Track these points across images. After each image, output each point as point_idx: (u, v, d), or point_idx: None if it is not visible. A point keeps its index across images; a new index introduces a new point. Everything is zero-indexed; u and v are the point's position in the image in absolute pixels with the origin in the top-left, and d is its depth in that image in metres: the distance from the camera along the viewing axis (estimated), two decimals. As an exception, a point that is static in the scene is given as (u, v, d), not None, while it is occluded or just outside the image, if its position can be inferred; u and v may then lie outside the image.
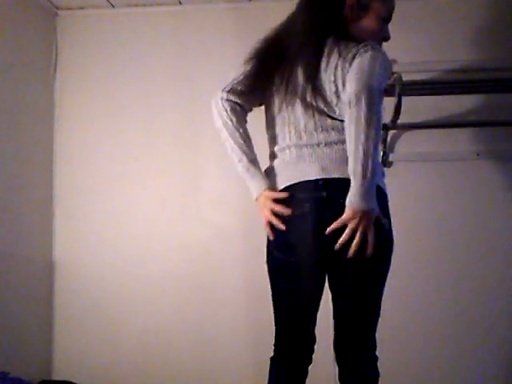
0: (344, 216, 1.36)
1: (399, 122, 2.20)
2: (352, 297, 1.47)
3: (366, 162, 1.31)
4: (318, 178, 1.44)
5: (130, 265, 2.53)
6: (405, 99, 2.11)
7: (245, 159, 1.55)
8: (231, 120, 1.56)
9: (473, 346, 2.34)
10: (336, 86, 1.44)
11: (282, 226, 1.46)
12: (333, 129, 1.46)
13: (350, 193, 1.34)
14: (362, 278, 1.44)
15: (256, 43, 1.60)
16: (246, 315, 2.45)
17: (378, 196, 1.37)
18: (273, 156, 1.58)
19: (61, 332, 2.57)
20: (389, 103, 2.16)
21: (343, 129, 1.41)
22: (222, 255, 2.48)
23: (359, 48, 1.42)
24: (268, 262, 1.57)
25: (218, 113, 1.58)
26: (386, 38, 1.59)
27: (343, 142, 1.41)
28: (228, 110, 1.56)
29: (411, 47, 2.41)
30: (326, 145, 1.46)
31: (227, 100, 1.56)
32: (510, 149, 2.37)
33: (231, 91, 1.57)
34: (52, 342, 2.57)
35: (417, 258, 2.39)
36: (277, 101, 1.55)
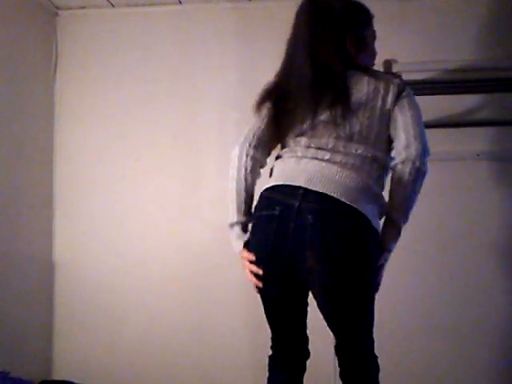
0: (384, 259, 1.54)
1: (399, 122, 2.19)
2: (331, 308, 1.49)
3: (406, 219, 1.59)
4: (301, 185, 1.44)
5: (129, 265, 2.53)
6: (405, 99, 2.10)
7: (235, 219, 1.60)
8: (246, 180, 1.59)
9: (473, 344, 2.35)
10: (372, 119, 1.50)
11: (260, 284, 1.53)
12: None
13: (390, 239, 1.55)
14: (331, 291, 1.46)
15: (264, 89, 1.62)
16: (246, 315, 2.45)
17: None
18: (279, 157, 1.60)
19: (61, 332, 2.57)
20: (389, 103, 2.16)
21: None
22: (221, 255, 2.47)
23: (397, 85, 1.53)
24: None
25: (238, 168, 1.60)
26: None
27: (356, 168, 1.47)
28: (248, 169, 1.58)
29: (411, 47, 2.41)
30: (328, 161, 1.48)
31: (252, 158, 1.58)
32: (510, 149, 2.37)
33: (258, 147, 1.59)
34: (52, 341, 2.57)
35: (416, 257, 2.39)
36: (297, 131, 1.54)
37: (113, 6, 2.61)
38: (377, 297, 1.55)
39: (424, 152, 1.47)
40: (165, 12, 2.60)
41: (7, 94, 2.32)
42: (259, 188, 1.56)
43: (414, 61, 2.38)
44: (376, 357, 1.53)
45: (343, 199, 1.41)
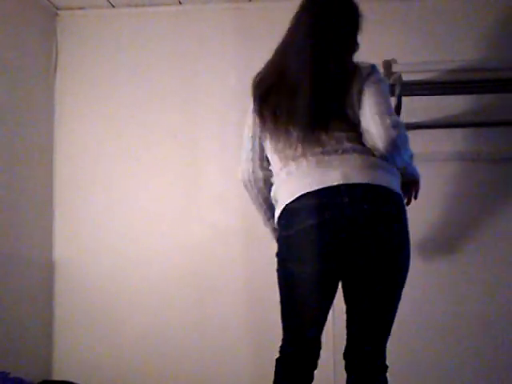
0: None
1: (399, 121, 2.19)
2: (376, 302, 1.50)
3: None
4: (340, 183, 1.45)
5: (130, 265, 2.53)
6: (405, 99, 2.11)
7: (265, 218, 1.72)
8: (264, 195, 1.66)
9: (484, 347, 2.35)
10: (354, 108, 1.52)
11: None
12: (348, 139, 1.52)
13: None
14: (386, 283, 1.50)
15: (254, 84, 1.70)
16: (246, 315, 2.45)
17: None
18: (282, 168, 1.57)
19: (61, 332, 2.57)
20: (389, 103, 2.16)
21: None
22: (222, 255, 2.48)
23: (369, 70, 1.55)
24: (279, 271, 1.57)
25: (258, 189, 1.67)
26: None
27: (361, 151, 1.49)
28: (265, 186, 1.65)
29: (411, 47, 2.41)
30: (343, 152, 1.49)
31: (263, 179, 1.64)
32: (510, 149, 2.37)
33: (264, 165, 1.65)
34: (52, 341, 2.57)
35: (417, 256, 2.39)
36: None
37: (113, 6, 2.61)
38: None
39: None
40: (165, 12, 2.60)
41: (7, 94, 2.31)
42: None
43: (414, 61, 2.37)
44: (387, 367, 1.54)
45: (385, 184, 1.50)
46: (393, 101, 2.11)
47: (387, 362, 1.54)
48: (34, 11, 2.52)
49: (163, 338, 2.50)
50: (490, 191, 2.38)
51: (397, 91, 2.08)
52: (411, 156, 1.62)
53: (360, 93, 1.50)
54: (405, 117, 2.20)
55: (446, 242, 2.39)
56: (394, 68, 2.32)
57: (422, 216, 2.40)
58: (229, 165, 2.50)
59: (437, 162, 2.42)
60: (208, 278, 2.49)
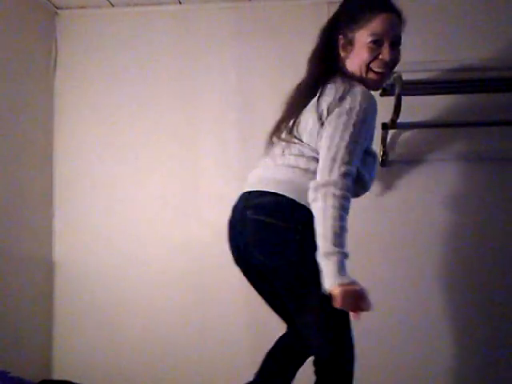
0: None
1: (399, 121, 2.20)
2: (280, 298, 1.59)
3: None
4: (248, 190, 1.58)
5: (129, 265, 2.53)
6: (405, 99, 2.11)
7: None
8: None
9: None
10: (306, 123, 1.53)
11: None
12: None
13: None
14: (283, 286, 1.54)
15: None
16: (246, 314, 2.45)
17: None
18: None
19: (61, 332, 2.57)
20: (389, 103, 2.16)
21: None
22: (221, 255, 2.46)
23: (336, 96, 1.47)
24: None
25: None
26: (387, 62, 1.57)
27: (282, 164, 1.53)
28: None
29: (411, 47, 2.40)
30: (272, 162, 1.57)
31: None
32: (510, 149, 2.37)
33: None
34: (52, 341, 2.57)
35: (416, 257, 2.39)
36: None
37: (113, 5, 2.61)
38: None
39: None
40: (165, 12, 2.59)
41: (7, 94, 2.31)
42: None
43: (414, 61, 2.37)
44: (340, 362, 1.53)
45: (261, 188, 1.59)
46: (392, 101, 2.11)
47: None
48: (34, 11, 2.52)
49: (163, 338, 2.50)
50: (490, 191, 2.38)
51: (397, 91, 2.08)
52: (337, 231, 1.38)
53: (320, 116, 1.48)
54: (405, 117, 2.21)
55: (446, 242, 2.39)
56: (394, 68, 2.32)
57: (421, 215, 2.40)
58: (228, 164, 2.50)
59: (437, 162, 2.42)
60: (208, 277, 2.49)
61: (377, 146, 2.39)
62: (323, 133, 1.45)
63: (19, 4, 2.40)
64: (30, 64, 2.49)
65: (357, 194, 1.59)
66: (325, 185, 1.37)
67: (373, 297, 2.39)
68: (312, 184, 1.40)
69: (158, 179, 2.56)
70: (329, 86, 1.49)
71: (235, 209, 1.61)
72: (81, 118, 2.63)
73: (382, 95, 2.33)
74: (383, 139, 2.38)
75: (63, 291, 2.58)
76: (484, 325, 2.35)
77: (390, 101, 2.13)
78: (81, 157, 2.61)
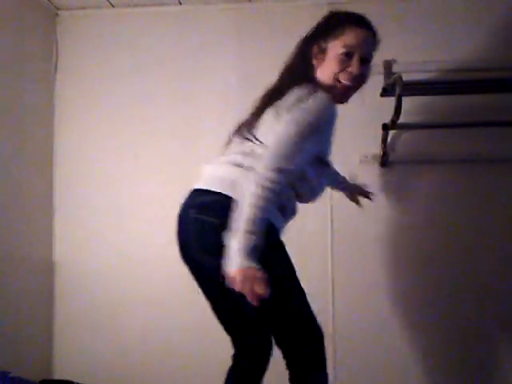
0: None
1: (399, 121, 2.20)
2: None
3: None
4: (195, 187, 1.65)
5: (129, 264, 2.53)
6: (405, 99, 2.11)
7: None
8: None
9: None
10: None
11: None
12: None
13: None
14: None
15: None
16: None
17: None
18: None
19: (61, 332, 2.57)
20: (389, 103, 2.16)
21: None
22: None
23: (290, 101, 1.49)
24: None
25: None
26: (355, 75, 1.58)
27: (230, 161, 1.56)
28: None
29: (411, 47, 2.41)
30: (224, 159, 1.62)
31: None
32: (510, 149, 2.37)
33: None
34: (52, 341, 2.57)
35: (416, 257, 2.39)
36: None
37: (113, 6, 2.61)
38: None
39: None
40: (165, 12, 2.60)
41: (7, 95, 2.31)
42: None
43: (414, 61, 2.37)
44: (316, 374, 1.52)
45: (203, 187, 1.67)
46: (393, 101, 2.11)
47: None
48: (34, 11, 2.52)
49: (163, 338, 2.50)
50: (490, 191, 2.38)
51: (397, 92, 2.08)
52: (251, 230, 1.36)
53: (277, 116, 1.50)
54: (405, 117, 2.21)
55: (446, 242, 2.39)
56: (394, 68, 2.31)
57: (421, 215, 2.40)
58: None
59: (437, 162, 2.42)
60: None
61: (377, 147, 2.40)
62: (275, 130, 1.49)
63: (20, 5, 2.41)
64: (30, 64, 2.49)
65: (305, 199, 1.62)
66: (257, 174, 1.40)
67: (373, 297, 2.40)
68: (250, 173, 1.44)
69: (157, 179, 2.56)
70: (295, 90, 1.52)
71: (182, 206, 1.65)
72: (81, 118, 2.63)
73: (382, 96, 2.34)
74: (384, 140, 2.38)
75: (63, 291, 2.58)
76: (485, 324, 2.35)
77: (391, 101, 2.13)
78: (81, 157, 2.61)
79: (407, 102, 2.15)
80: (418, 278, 2.39)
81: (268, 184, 1.38)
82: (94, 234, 2.57)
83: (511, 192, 2.38)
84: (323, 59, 1.59)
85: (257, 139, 1.55)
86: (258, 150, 1.52)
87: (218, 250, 1.38)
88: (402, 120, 2.19)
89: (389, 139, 2.41)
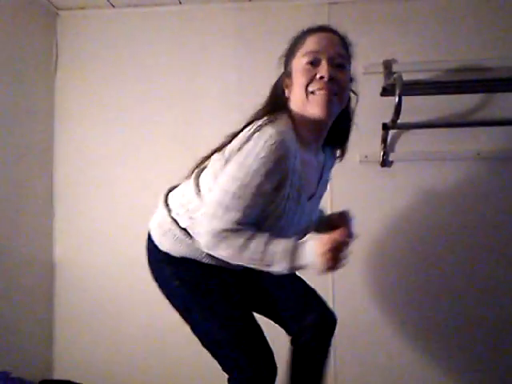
0: None
1: (399, 121, 2.20)
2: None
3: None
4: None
5: (130, 264, 2.53)
6: (405, 99, 2.11)
7: None
8: None
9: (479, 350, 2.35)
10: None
11: None
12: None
13: None
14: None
15: None
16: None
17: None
18: None
19: (61, 332, 2.57)
20: (389, 103, 2.16)
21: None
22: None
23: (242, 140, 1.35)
24: None
25: None
26: (326, 80, 1.37)
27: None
28: None
29: (411, 47, 2.41)
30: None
31: None
32: (510, 149, 2.37)
33: None
34: (52, 341, 2.57)
35: (416, 257, 2.39)
36: None
37: (113, 6, 2.61)
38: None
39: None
40: (165, 12, 2.60)
41: (7, 95, 2.32)
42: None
43: (414, 61, 2.38)
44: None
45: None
46: (393, 101, 2.11)
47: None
48: (34, 11, 2.52)
49: (163, 338, 2.50)
50: (490, 191, 2.38)
51: (397, 91, 2.08)
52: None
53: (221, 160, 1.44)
54: (405, 117, 2.21)
55: (446, 242, 2.39)
56: (394, 68, 2.32)
57: (421, 215, 2.40)
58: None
59: (437, 162, 2.42)
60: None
61: (377, 147, 2.40)
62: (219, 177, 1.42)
63: (20, 5, 2.41)
64: (30, 65, 2.49)
65: (281, 232, 1.44)
66: (215, 232, 1.38)
67: (374, 297, 2.40)
68: (205, 233, 1.41)
69: (158, 179, 2.56)
70: (247, 128, 1.37)
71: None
72: (81, 119, 2.63)
73: (382, 95, 2.34)
74: (384, 139, 2.38)
75: (63, 291, 2.58)
76: (485, 323, 2.35)
77: (391, 101, 2.13)
78: (81, 157, 2.61)
79: (407, 101, 2.15)
80: (419, 277, 2.39)
81: (221, 237, 1.37)
82: (94, 234, 2.57)
83: (511, 190, 2.38)
84: (292, 83, 1.43)
85: (198, 186, 1.55)
86: (196, 200, 1.52)
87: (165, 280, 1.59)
88: (401, 120, 2.20)
89: (389, 139, 2.41)
